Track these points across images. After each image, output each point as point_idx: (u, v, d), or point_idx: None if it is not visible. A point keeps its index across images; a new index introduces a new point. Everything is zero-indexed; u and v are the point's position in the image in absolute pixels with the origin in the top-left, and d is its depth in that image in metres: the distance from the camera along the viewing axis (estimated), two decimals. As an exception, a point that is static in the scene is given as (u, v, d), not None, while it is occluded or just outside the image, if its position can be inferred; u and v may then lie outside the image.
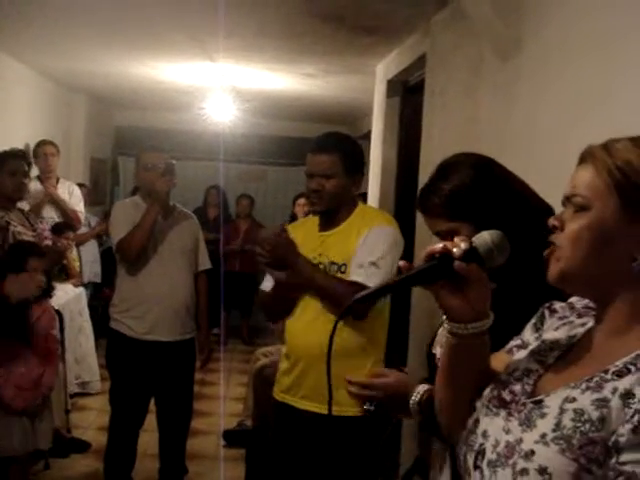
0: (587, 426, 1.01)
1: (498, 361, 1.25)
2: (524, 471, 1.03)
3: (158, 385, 3.83)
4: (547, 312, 1.29)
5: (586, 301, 1.23)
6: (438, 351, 1.84)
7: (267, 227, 2.87)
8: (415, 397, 1.78)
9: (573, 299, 1.26)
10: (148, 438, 4.17)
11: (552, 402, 1.08)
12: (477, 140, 3.14)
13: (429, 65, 4.09)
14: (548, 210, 1.66)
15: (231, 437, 4.92)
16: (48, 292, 3.67)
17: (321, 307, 2.74)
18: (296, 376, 2.80)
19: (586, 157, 1.13)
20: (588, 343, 1.15)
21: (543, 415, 1.07)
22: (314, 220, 2.93)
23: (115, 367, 3.85)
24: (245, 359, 6.78)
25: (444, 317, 1.18)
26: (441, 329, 1.86)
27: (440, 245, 1.12)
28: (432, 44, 4.03)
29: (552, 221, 1.14)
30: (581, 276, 1.11)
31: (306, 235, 2.89)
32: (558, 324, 1.25)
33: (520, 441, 1.07)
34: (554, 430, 1.04)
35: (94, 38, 5.25)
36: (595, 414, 1.01)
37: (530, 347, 1.24)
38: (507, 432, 1.11)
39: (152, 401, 3.92)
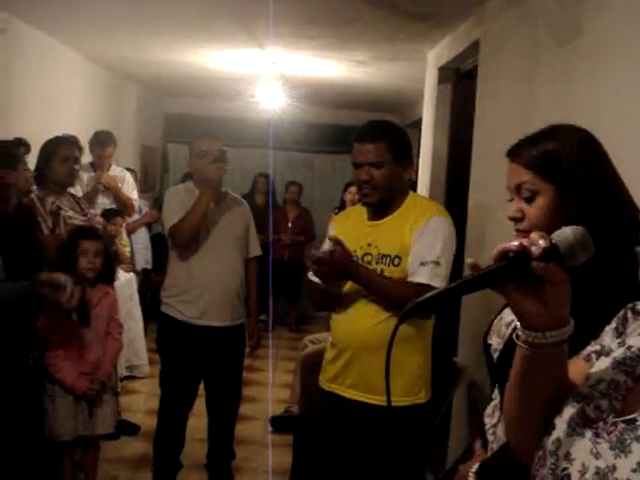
0: None
1: (575, 370, 1.11)
2: None
3: (208, 369, 3.86)
4: (630, 314, 1.13)
5: None
6: (494, 341, 1.80)
7: (319, 245, 2.83)
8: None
9: None
10: (197, 422, 4.21)
11: None
12: (533, 128, 3.07)
13: (482, 51, 4.03)
14: (634, 206, 1.60)
15: (278, 423, 4.95)
16: (109, 276, 3.69)
17: (367, 297, 2.72)
18: (342, 365, 2.79)
19: None
20: None
21: (639, 438, 0.94)
22: (362, 209, 2.88)
23: (165, 350, 3.88)
24: (292, 346, 6.81)
25: (517, 324, 1.06)
26: (497, 319, 1.83)
27: (516, 243, 1.00)
28: (486, 30, 3.97)
29: None
30: None
31: (354, 224, 2.85)
32: None
33: (613, 469, 0.94)
34: None
35: (145, 27, 5.30)
36: None
37: (613, 354, 1.09)
38: (596, 457, 0.97)
39: (201, 385, 3.95)
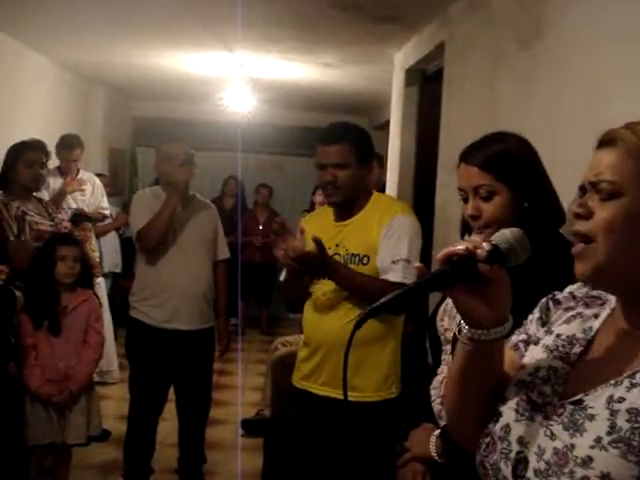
0: None
1: (505, 358, 1.16)
2: (585, 479, 0.95)
3: (177, 373, 3.84)
4: (551, 304, 1.20)
5: (586, 289, 1.17)
6: (446, 322, 1.93)
7: (292, 237, 2.81)
8: (434, 450, 1.86)
9: (572, 287, 1.19)
10: (167, 427, 4.18)
11: (595, 402, 1.00)
12: (496, 129, 3.11)
13: (448, 53, 4.07)
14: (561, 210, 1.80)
15: (249, 426, 4.94)
16: (87, 281, 3.65)
17: (339, 294, 2.74)
18: (315, 363, 2.81)
19: (611, 141, 1.04)
20: (613, 338, 1.07)
21: (591, 417, 0.99)
22: (329, 210, 2.91)
23: (134, 355, 3.86)
24: (263, 349, 6.79)
25: (462, 323, 1.09)
26: (445, 302, 1.95)
27: (461, 246, 1.03)
28: (450, 32, 4.01)
29: (575, 209, 1.04)
30: (616, 271, 1.02)
31: (322, 226, 2.87)
32: (566, 316, 1.17)
33: (572, 447, 0.98)
34: (609, 433, 0.95)
35: (113, 29, 5.27)
36: None
37: (543, 342, 1.16)
38: (552, 438, 1.02)
39: (171, 390, 3.94)
